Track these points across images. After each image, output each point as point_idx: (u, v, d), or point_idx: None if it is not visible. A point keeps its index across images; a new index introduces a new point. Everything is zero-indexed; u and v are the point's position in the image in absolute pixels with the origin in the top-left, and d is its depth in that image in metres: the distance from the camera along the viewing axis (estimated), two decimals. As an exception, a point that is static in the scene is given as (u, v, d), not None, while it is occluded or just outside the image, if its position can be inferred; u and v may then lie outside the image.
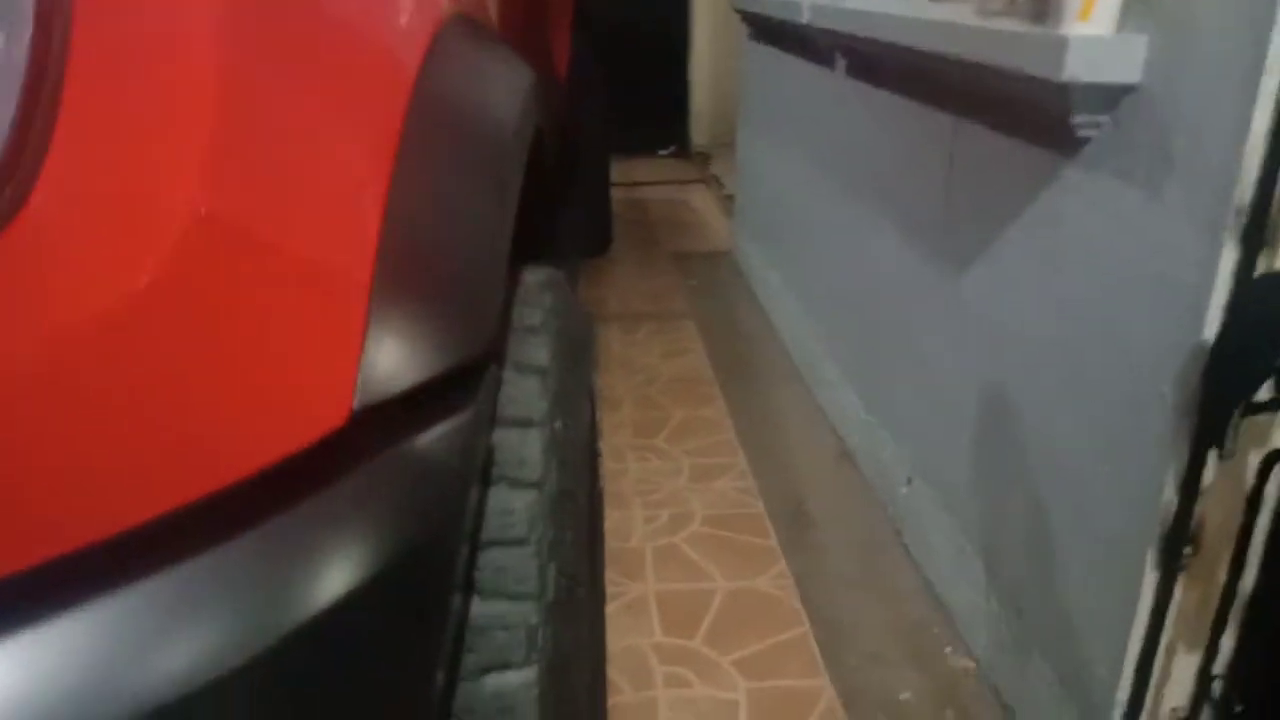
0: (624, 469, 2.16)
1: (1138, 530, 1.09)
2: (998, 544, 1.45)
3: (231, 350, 0.45)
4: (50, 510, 0.41)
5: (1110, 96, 1.06)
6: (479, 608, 0.69)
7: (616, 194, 3.99)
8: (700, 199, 4.81)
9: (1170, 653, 1.12)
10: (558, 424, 0.81)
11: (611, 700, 1.45)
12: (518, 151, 0.79)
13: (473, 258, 0.66)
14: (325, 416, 0.49)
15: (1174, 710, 1.15)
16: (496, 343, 0.70)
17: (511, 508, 0.73)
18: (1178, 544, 1.05)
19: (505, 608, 0.70)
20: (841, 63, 2.09)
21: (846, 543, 1.87)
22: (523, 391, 0.78)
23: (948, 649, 1.56)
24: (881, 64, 1.84)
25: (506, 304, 0.82)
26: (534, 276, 0.95)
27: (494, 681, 0.70)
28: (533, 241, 1.01)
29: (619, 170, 4.08)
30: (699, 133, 5.76)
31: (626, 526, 1.93)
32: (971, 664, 1.52)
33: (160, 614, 0.43)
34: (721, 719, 1.43)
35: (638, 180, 5.11)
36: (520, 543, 0.72)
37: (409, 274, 0.57)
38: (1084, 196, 1.15)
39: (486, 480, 0.72)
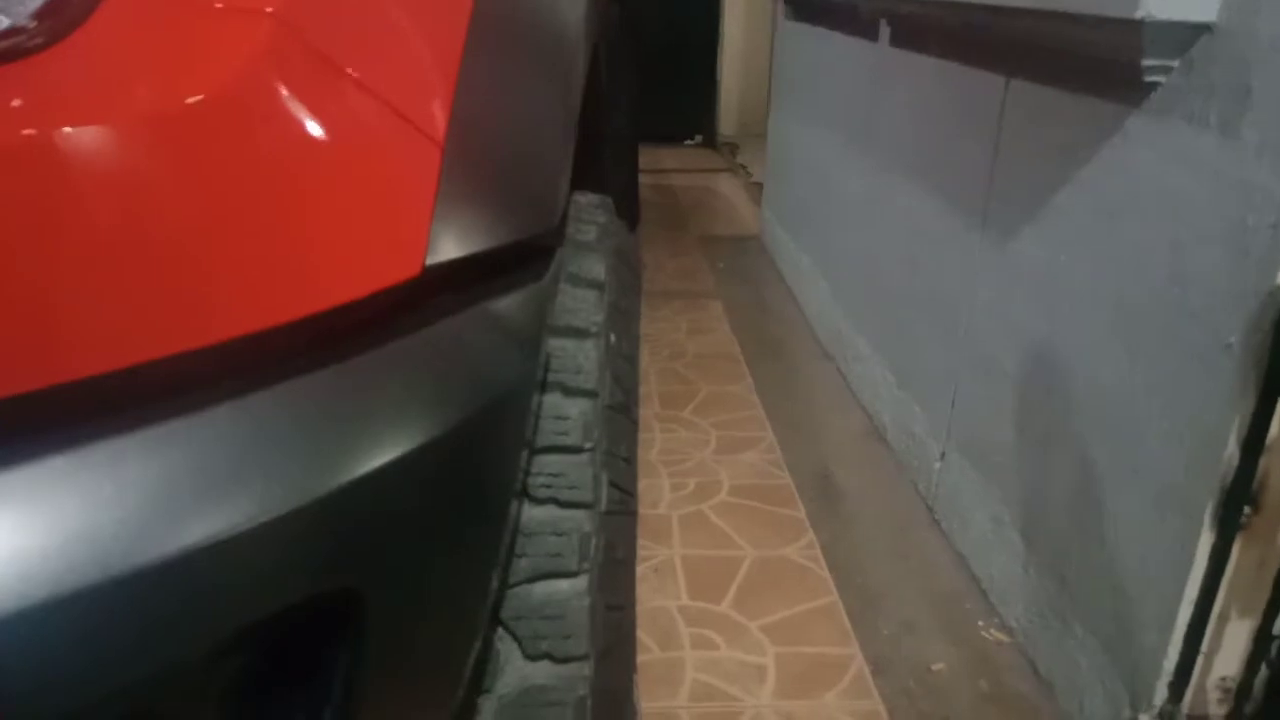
0: (651, 439, 2.13)
1: (1195, 489, 1.05)
2: (1039, 513, 1.42)
3: (304, 171, 0.43)
4: (114, 316, 0.39)
5: (1184, 38, 1.02)
6: (531, 512, 0.67)
7: (644, 180, 3.95)
8: (728, 186, 4.78)
9: (1223, 619, 1.09)
10: (612, 337, 0.79)
11: (639, 658, 1.42)
12: (582, 49, 0.77)
13: (540, 141, 0.64)
14: (398, 264, 0.47)
15: (1223, 679, 1.12)
16: (561, 231, 0.68)
17: (566, 414, 0.70)
18: (1238, 502, 1.01)
19: (558, 514, 0.68)
20: (886, 31, 2.06)
21: (876, 516, 1.84)
22: (579, 302, 0.76)
23: (980, 621, 1.53)
24: (929, 28, 1.80)
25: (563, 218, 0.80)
26: (586, 198, 0.93)
27: (544, 588, 0.67)
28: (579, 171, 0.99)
29: (645, 158, 4.04)
30: (727, 123, 5.73)
31: (653, 494, 1.90)
32: (1006, 637, 1.49)
33: (224, 445, 0.40)
34: (749, 681, 1.40)
35: (665, 167, 5.08)
36: (575, 450, 0.70)
37: (480, 142, 0.55)
38: (1150, 144, 1.12)
39: (542, 386, 0.70)
